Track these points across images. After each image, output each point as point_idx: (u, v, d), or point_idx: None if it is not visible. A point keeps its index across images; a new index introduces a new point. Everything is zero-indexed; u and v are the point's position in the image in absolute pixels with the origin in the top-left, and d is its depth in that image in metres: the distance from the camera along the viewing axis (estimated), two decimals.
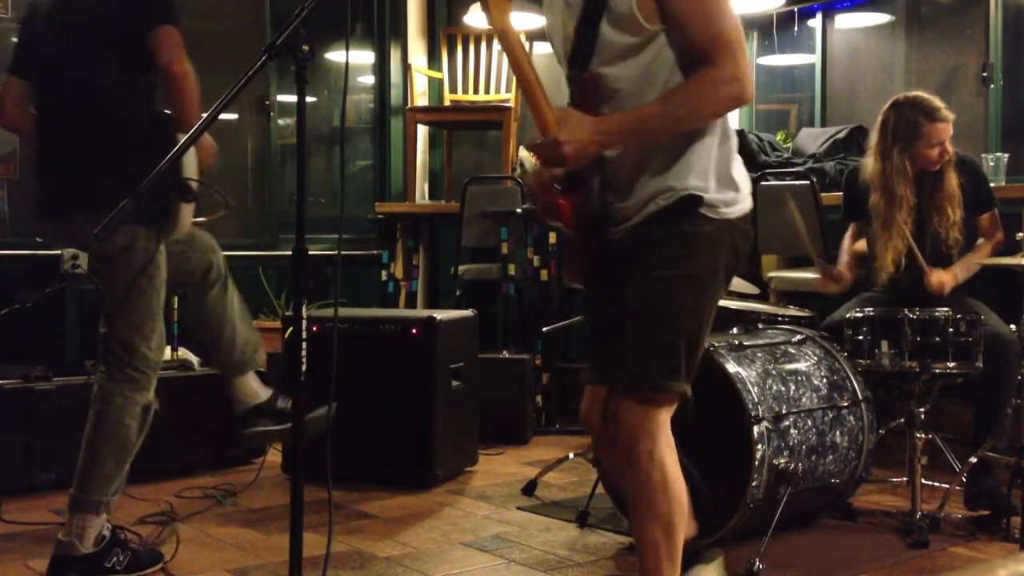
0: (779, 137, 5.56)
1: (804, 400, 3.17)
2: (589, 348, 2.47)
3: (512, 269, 5.23)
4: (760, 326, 3.57)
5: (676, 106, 2.18)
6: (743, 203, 2.32)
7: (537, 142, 2.23)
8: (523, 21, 5.42)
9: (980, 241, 3.78)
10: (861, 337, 3.35)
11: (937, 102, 3.62)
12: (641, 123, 2.20)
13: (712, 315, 2.34)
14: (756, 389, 3.05)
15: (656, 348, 2.24)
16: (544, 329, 4.95)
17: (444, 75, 6.38)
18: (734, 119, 5.97)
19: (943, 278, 3.58)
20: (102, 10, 2.93)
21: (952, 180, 3.65)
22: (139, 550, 3.01)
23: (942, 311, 3.29)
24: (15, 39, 3.21)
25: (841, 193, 4.14)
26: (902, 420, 3.48)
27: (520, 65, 2.23)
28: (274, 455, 4.13)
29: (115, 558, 2.91)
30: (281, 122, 6.07)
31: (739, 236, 2.32)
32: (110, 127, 2.91)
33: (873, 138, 3.73)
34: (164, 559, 3.05)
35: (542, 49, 5.83)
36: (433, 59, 6.59)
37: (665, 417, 2.27)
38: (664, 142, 2.25)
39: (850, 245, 3.97)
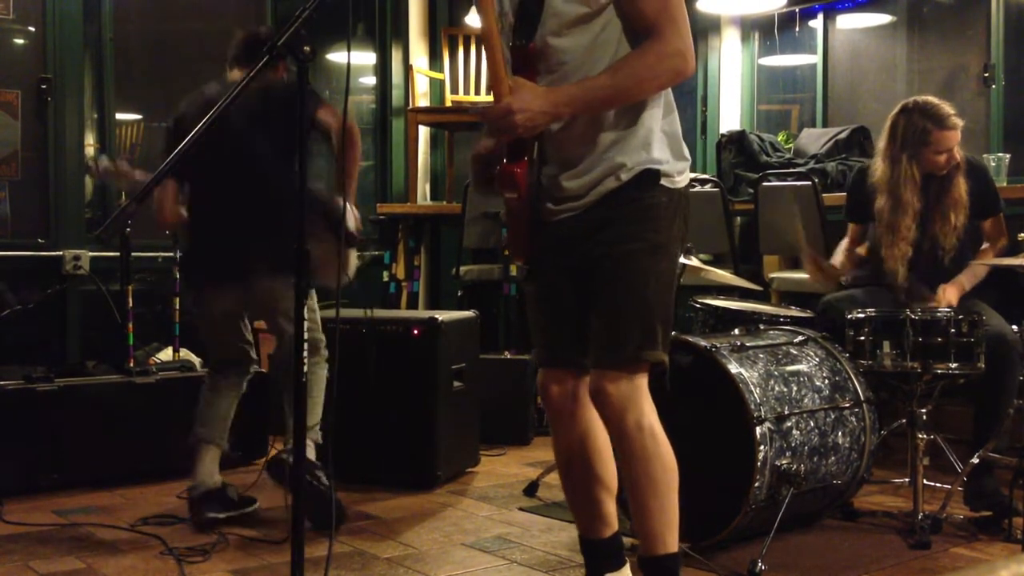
0: (780, 138, 5.56)
1: (806, 401, 3.16)
2: (542, 329, 2.48)
3: (513, 270, 5.22)
4: (762, 327, 3.57)
5: (624, 78, 2.22)
6: (688, 172, 2.41)
7: (488, 108, 2.24)
8: None
9: (985, 246, 3.78)
10: (863, 338, 3.34)
11: (947, 108, 3.59)
12: (591, 94, 2.23)
13: (677, 283, 2.40)
14: (758, 390, 3.05)
15: (632, 321, 2.30)
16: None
17: (445, 76, 6.38)
18: (735, 119, 5.97)
19: (950, 297, 3.56)
20: (260, 112, 3.35)
21: (960, 186, 3.63)
22: None
23: (944, 312, 3.28)
24: (165, 146, 3.60)
25: (843, 193, 4.13)
26: (904, 421, 3.48)
27: (490, 24, 2.24)
28: None
29: None
30: None
31: (687, 204, 2.41)
32: (277, 202, 3.25)
33: (881, 142, 3.71)
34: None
35: None
36: (434, 60, 6.59)
37: (645, 384, 2.34)
38: (609, 115, 2.29)
39: (847, 246, 3.96)
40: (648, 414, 2.31)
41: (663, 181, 2.31)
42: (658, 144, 2.31)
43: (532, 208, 2.37)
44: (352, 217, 3.45)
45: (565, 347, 2.43)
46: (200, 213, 3.53)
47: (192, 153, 3.45)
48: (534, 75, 2.27)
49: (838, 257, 3.94)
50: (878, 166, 3.71)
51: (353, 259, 3.50)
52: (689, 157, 2.41)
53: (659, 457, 2.31)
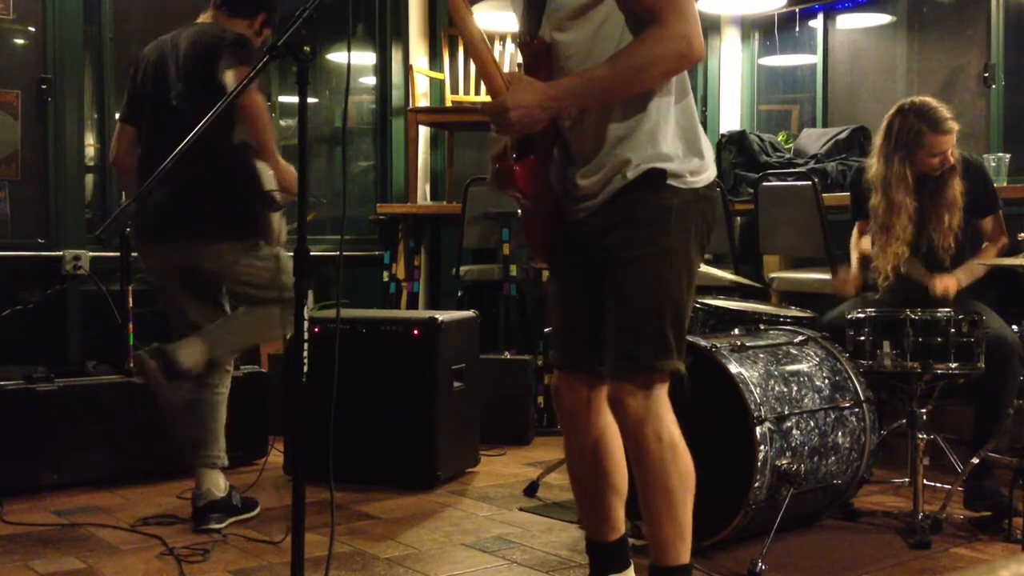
0: (780, 138, 5.56)
1: (806, 401, 3.17)
2: (558, 332, 2.47)
3: (513, 270, 5.23)
4: (762, 327, 3.57)
5: (625, 67, 2.16)
6: (709, 170, 2.31)
7: (485, 106, 2.23)
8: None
9: (984, 245, 3.78)
10: (863, 338, 3.35)
11: (943, 112, 3.59)
12: (590, 85, 2.18)
13: (693, 287, 2.34)
14: (758, 390, 3.05)
15: (644, 328, 2.25)
16: (546, 330, 4.95)
17: (445, 76, 6.38)
18: (735, 119, 5.97)
19: (947, 283, 3.56)
20: (195, 62, 3.37)
21: (955, 187, 3.63)
22: None
23: (944, 312, 3.29)
24: (126, 92, 3.64)
25: (843, 193, 4.13)
26: (904, 421, 3.48)
27: (465, 24, 2.22)
28: (276, 456, 4.12)
29: None
30: (283, 123, 6.06)
31: (707, 205, 2.32)
32: (210, 162, 3.27)
33: (877, 140, 3.73)
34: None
35: None
36: (434, 60, 6.59)
37: (664, 394, 2.29)
38: (619, 107, 2.23)
39: (857, 243, 3.98)
40: (668, 424, 2.27)
41: (671, 181, 2.24)
42: (668, 137, 2.24)
43: (548, 208, 2.36)
44: (271, 179, 3.32)
45: (580, 351, 2.41)
46: (146, 165, 3.42)
47: (139, 99, 3.47)
48: (544, 71, 2.24)
49: (854, 255, 3.98)
50: (872, 164, 3.72)
51: (280, 224, 3.39)
52: (706, 152, 2.31)
53: (676, 469, 2.28)
